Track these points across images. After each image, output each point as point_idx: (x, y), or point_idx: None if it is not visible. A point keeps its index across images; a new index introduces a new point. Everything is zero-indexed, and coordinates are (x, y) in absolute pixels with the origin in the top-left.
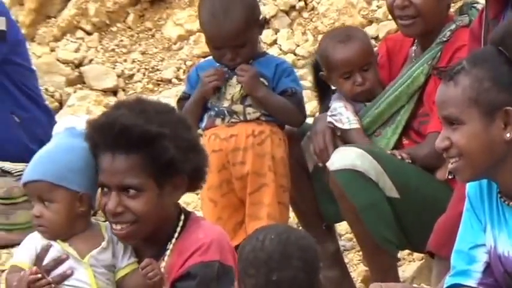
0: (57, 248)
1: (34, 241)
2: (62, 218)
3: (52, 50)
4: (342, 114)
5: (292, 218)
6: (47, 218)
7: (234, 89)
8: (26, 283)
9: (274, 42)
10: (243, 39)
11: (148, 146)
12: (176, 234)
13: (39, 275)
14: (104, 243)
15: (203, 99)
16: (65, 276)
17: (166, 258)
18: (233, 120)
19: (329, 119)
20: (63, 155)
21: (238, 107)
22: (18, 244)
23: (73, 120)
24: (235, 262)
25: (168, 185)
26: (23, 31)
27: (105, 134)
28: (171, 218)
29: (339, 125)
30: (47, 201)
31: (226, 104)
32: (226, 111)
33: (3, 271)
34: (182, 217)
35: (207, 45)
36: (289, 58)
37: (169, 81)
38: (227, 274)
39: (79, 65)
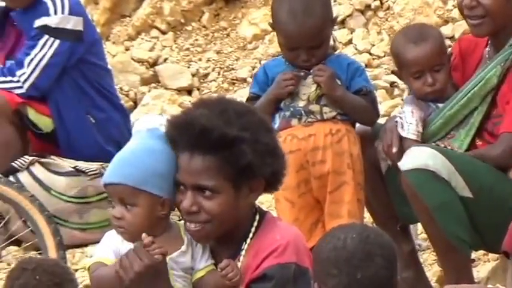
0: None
1: (113, 238)
2: (142, 222)
3: (127, 49)
4: (406, 119)
5: (368, 218)
6: (127, 221)
7: (308, 89)
8: (140, 248)
9: (350, 41)
10: (320, 39)
11: (227, 149)
12: (251, 235)
13: (152, 239)
14: (183, 247)
15: (276, 100)
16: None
17: (241, 258)
18: (310, 119)
19: (397, 119)
20: (146, 159)
21: (315, 107)
22: (92, 243)
23: (155, 120)
24: (311, 263)
25: (245, 187)
26: (98, 30)
27: (185, 133)
28: (246, 218)
29: (399, 129)
30: (128, 205)
31: (302, 104)
32: (303, 111)
33: (76, 270)
34: (257, 217)
35: (280, 45)
36: (364, 58)
37: (244, 80)
38: (303, 276)
39: (154, 64)
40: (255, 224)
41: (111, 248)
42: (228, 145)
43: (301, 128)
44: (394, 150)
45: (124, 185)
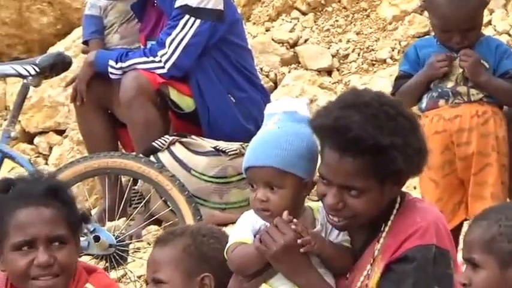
0: None
1: (250, 219)
2: (287, 203)
3: (267, 30)
4: None
5: None
6: (273, 203)
7: (457, 70)
8: (281, 223)
9: (489, 23)
10: (474, 23)
11: (378, 155)
12: (392, 217)
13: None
14: (318, 227)
15: (428, 82)
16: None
17: (381, 240)
18: (457, 101)
19: None
20: (294, 141)
21: (462, 88)
22: (231, 223)
23: (291, 103)
24: (451, 245)
25: (390, 182)
26: (239, 11)
27: (335, 137)
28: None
29: None
30: (275, 187)
31: (450, 85)
32: (450, 92)
33: None
34: (398, 199)
35: (433, 26)
36: (503, 39)
37: (383, 61)
38: (444, 257)
39: (294, 44)
40: (396, 206)
41: (248, 228)
42: (380, 152)
43: (448, 109)
44: None
45: (272, 168)
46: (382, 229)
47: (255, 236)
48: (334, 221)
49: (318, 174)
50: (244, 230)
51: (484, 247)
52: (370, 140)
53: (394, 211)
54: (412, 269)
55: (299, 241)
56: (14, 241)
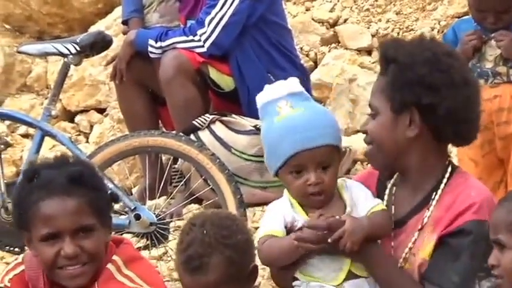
0: (303, 219)
1: (281, 210)
2: (335, 181)
3: (307, 10)
4: None
5: None
6: (326, 184)
7: (494, 50)
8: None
9: None
10: (509, 4)
11: (387, 70)
12: (442, 186)
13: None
14: (348, 209)
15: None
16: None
17: (431, 208)
18: (496, 81)
19: None
20: (329, 118)
21: (502, 69)
22: (272, 202)
23: (288, 85)
24: None
25: (404, 116)
26: None
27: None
28: (434, 168)
29: None
30: (326, 167)
31: (489, 65)
32: (490, 72)
33: (257, 228)
34: (449, 169)
35: (469, 6)
36: None
37: None
38: None
39: (334, 24)
40: (447, 175)
41: (279, 220)
42: (388, 66)
43: (487, 88)
44: None
45: (328, 146)
46: (432, 197)
47: (286, 228)
48: (365, 150)
49: None
50: (275, 222)
51: (508, 228)
52: (384, 53)
53: (445, 180)
54: (469, 243)
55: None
56: (40, 233)
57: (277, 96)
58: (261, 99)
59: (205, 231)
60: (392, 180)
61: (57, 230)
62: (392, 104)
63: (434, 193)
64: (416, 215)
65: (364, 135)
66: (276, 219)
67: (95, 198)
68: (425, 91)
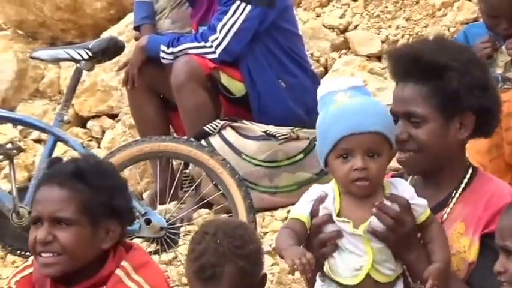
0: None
1: (317, 194)
2: (383, 173)
3: (318, 16)
4: None
5: None
6: (372, 171)
7: (505, 56)
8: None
9: None
10: None
11: (436, 76)
12: (463, 184)
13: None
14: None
15: None
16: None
17: (451, 205)
18: (506, 86)
19: None
20: (385, 110)
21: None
22: (281, 207)
23: (351, 80)
24: None
25: (455, 120)
26: None
27: (398, 63)
28: (458, 163)
29: None
30: (374, 155)
31: (499, 70)
32: (500, 78)
33: (266, 233)
34: (471, 170)
35: (482, 12)
36: None
37: None
38: None
39: (344, 30)
40: (468, 175)
41: (308, 204)
42: (437, 72)
43: None
44: None
45: (376, 133)
46: (452, 195)
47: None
48: (400, 158)
49: None
50: (304, 205)
51: None
52: (426, 58)
53: (466, 178)
54: None
55: None
56: (31, 215)
57: (338, 88)
58: (321, 91)
59: (218, 241)
60: (408, 181)
61: (38, 214)
62: (445, 110)
63: (455, 191)
64: (437, 214)
65: None
66: (306, 203)
67: (89, 196)
68: (483, 93)
